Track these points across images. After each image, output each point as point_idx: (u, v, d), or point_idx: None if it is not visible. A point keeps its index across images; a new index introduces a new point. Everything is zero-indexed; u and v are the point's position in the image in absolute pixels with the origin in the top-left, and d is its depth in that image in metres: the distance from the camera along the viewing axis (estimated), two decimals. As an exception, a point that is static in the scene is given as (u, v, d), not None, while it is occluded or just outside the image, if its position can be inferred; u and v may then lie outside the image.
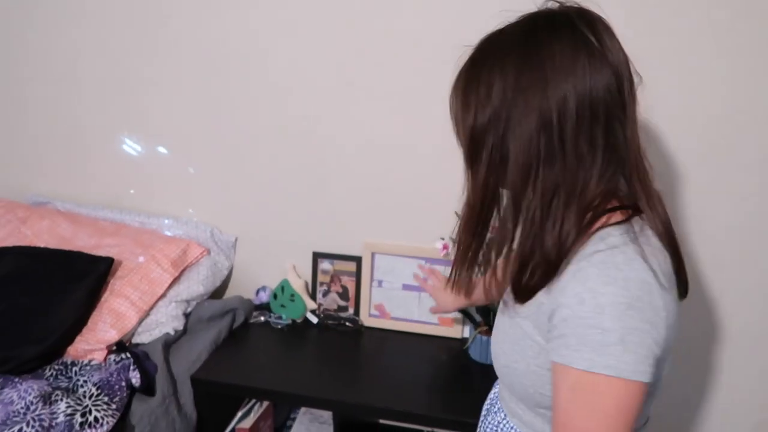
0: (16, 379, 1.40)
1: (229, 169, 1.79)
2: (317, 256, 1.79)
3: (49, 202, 1.93)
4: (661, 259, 0.68)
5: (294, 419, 1.85)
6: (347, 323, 1.74)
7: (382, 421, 1.90)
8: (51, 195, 1.96)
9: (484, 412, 1.02)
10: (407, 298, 1.73)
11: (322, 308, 1.82)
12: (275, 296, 1.79)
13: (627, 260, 0.64)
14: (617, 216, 0.70)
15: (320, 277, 1.80)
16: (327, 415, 1.87)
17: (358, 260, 1.75)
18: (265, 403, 1.69)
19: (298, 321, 1.77)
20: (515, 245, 0.75)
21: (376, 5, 1.50)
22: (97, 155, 1.88)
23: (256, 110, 1.69)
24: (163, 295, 1.66)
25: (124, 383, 1.39)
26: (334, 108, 1.64)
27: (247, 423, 1.60)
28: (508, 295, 0.77)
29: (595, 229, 0.69)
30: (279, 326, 1.75)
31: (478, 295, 1.13)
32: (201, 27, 1.64)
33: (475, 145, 0.73)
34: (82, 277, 1.55)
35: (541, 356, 0.72)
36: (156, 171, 1.85)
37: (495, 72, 0.69)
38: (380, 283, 1.75)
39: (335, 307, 1.81)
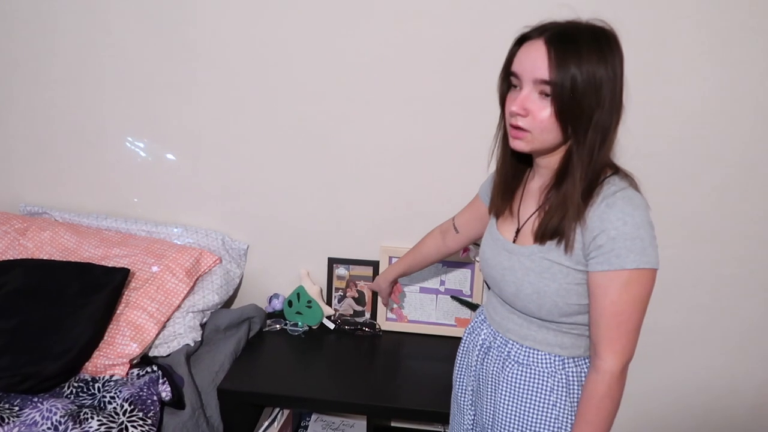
0: (35, 399, 1.33)
1: (240, 176, 1.76)
2: (333, 262, 1.79)
3: (45, 213, 1.84)
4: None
5: (306, 427, 1.84)
6: (365, 328, 1.75)
7: (405, 425, 1.92)
8: (45, 204, 1.86)
9: (479, 355, 1.16)
10: (424, 301, 1.76)
11: (337, 314, 1.81)
12: (290, 303, 1.77)
13: (635, 194, 0.92)
14: (608, 170, 0.95)
15: (336, 283, 1.80)
16: (338, 421, 1.87)
17: (375, 265, 1.76)
18: (287, 412, 1.67)
19: (314, 327, 1.77)
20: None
21: (395, 13, 1.52)
22: (98, 162, 1.80)
23: (267, 115, 1.67)
24: (179, 306, 1.62)
25: (155, 397, 1.34)
26: (348, 113, 1.64)
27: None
28: (522, 240, 1.01)
29: (602, 180, 0.94)
30: (296, 333, 1.73)
31: (414, 268, 1.49)
32: (213, 33, 1.60)
33: (575, 107, 0.89)
34: (98, 290, 1.49)
35: (570, 275, 0.95)
36: (162, 178, 1.79)
37: (583, 54, 0.87)
38: (397, 286, 1.77)
39: (351, 312, 1.81)
